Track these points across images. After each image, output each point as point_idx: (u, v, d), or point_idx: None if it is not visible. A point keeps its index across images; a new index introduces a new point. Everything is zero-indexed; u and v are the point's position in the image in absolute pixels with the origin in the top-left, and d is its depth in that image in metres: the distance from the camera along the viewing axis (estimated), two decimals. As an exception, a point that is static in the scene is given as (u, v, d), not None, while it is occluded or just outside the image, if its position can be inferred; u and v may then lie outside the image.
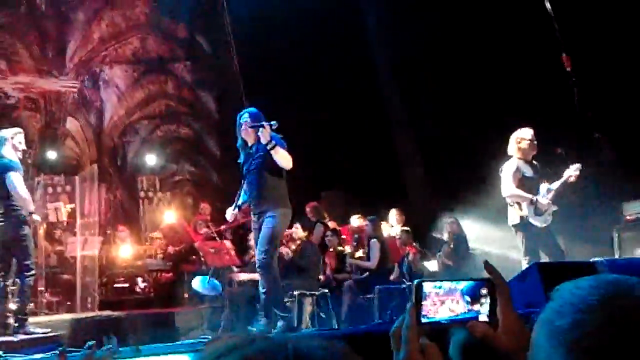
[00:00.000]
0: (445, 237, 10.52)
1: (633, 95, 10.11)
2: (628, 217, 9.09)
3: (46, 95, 16.15)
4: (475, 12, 11.91)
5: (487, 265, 1.38)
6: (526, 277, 4.84)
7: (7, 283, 6.98)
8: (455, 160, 12.62)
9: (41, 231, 10.82)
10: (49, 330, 7.20)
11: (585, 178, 7.52)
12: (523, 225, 7.16)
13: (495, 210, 8.43)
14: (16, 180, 6.90)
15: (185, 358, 2.08)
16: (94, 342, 2.25)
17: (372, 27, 14.87)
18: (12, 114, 16.13)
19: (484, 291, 1.36)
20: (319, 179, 13.88)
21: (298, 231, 9.97)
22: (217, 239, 10.15)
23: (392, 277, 9.81)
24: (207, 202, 13.34)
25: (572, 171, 7.18)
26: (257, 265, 6.21)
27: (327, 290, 8.96)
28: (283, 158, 6.08)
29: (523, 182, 7.23)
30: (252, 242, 8.99)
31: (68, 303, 11.02)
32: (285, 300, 8.25)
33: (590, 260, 5.35)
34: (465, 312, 1.35)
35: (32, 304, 8.64)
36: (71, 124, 17.83)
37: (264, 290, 6.08)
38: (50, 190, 11.82)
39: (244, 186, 6.46)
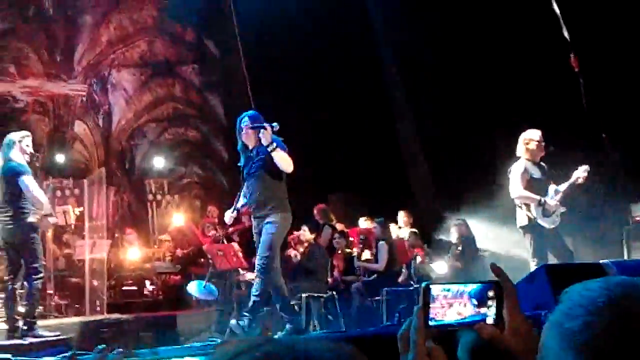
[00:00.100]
0: (453, 239, 10.49)
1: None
2: (637, 218, 9.07)
3: (54, 99, 16.22)
4: (482, 12, 11.88)
5: (494, 268, 1.39)
6: (534, 278, 4.83)
7: (16, 286, 7.00)
8: (462, 162, 12.58)
9: (50, 234, 10.87)
10: (58, 333, 7.21)
11: (594, 179, 7.50)
12: (531, 227, 7.14)
13: (503, 211, 8.41)
14: (30, 183, 6.92)
15: (195, 361, 2.09)
16: (104, 345, 2.26)
17: (379, 28, 14.86)
18: (20, 118, 16.20)
19: (491, 293, 1.36)
20: (326, 182, 13.87)
21: (306, 234, 9.98)
22: (225, 241, 10.16)
23: (400, 279, 9.81)
24: (215, 205, 13.34)
25: (580, 173, 7.16)
26: (256, 270, 6.21)
27: (334, 293, 8.97)
28: (284, 160, 6.07)
29: (531, 184, 7.22)
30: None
31: (77, 306, 11.04)
32: (293, 302, 8.28)
33: (599, 261, 5.33)
34: (473, 315, 1.35)
35: (41, 307, 8.67)
36: (79, 128, 17.90)
37: (256, 294, 6.06)
38: (58, 193, 11.85)
39: (244, 189, 6.47)
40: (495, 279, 1.37)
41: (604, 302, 1.02)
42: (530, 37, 11.10)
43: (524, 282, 4.78)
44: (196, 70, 19.25)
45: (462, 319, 1.34)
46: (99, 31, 16.93)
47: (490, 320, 1.35)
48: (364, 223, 10.97)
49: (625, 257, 8.44)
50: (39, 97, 16.25)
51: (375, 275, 9.67)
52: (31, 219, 6.85)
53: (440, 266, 10.19)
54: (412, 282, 9.46)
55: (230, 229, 10.67)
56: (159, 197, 19.30)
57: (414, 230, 10.85)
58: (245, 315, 6.04)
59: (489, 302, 1.35)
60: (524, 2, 11.16)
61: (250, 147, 6.30)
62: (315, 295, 8.67)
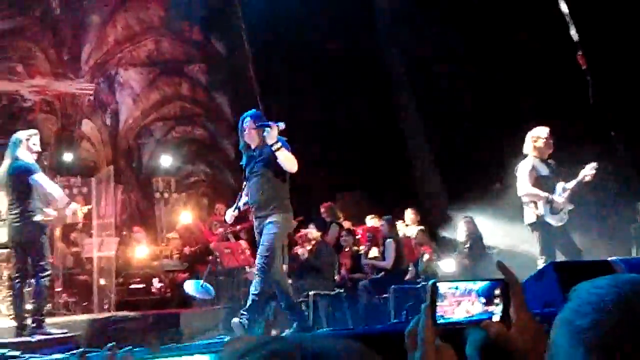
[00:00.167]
0: (461, 236, 10.47)
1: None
2: (645, 216, 9.04)
3: (62, 98, 16.26)
4: (489, 10, 11.86)
5: (501, 266, 1.39)
6: (543, 276, 4.81)
7: (23, 284, 7.03)
8: (469, 159, 12.57)
9: (58, 233, 10.91)
10: (66, 330, 7.25)
11: (603, 177, 7.48)
12: (539, 224, 7.12)
13: (510, 208, 8.39)
14: (42, 179, 6.96)
15: (205, 358, 2.08)
16: (114, 343, 2.26)
17: (385, 28, 14.85)
18: (28, 117, 16.25)
19: (498, 291, 1.36)
20: (333, 180, 13.88)
21: (313, 232, 9.98)
22: (233, 239, 10.17)
23: (407, 277, 9.80)
24: (222, 203, 13.36)
25: (588, 170, 7.12)
26: (255, 269, 6.15)
27: (342, 290, 8.97)
28: (288, 160, 6.01)
29: (539, 181, 7.19)
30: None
31: (85, 304, 11.07)
32: (300, 300, 8.29)
33: (607, 259, 5.31)
34: (481, 313, 1.35)
35: (49, 305, 8.70)
36: (87, 126, 17.95)
37: (255, 293, 5.98)
38: (66, 192, 11.89)
39: (245, 188, 6.45)
40: (502, 277, 1.37)
41: (613, 300, 1.02)
42: (537, 35, 11.08)
43: (532, 280, 4.76)
44: (203, 69, 19.27)
45: (470, 316, 1.34)
46: (106, 30, 16.98)
47: (497, 318, 1.35)
48: (371, 221, 10.97)
49: (634, 254, 8.42)
50: (46, 96, 16.29)
51: (382, 273, 9.66)
52: (38, 217, 6.87)
53: (448, 264, 10.16)
54: (419, 280, 9.44)
55: (238, 227, 10.69)
56: (166, 195, 19.37)
57: (421, 228, 10.84)
58: (244, 314, 5.97)
59: (496, 300, 1.36)
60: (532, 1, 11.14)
61: (253, 147, 6.27)
62: (323, 293, 8.67)
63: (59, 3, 15.58)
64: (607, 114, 9.99)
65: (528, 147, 7.34)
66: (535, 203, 7.14)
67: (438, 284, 1.34)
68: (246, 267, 9.78)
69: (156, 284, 12.90)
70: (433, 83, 13.50)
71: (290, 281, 9.37)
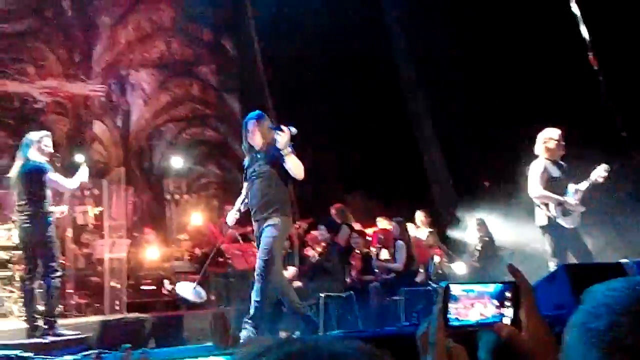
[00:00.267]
0: (472, 238, 10.44)
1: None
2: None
3: (73, 99, 16.33)
4: (500, 9, 11.83)
5: (511, 268, 1.39)
6: (554, 278, 4.79)
7: (34, 285, 7.04)
8: (480, 161, 12.55)
9: (69, 234, 10.95)
10: (78, 332, 7.26)
11: (614, 178, 7.43)
12: (551, 227, 7.08)
13: (521, 210, 8.36)
14: (57, 177, 7.00)
15: (220, 360, 2.07)
16: (129, 345, 2.27)
17: (395, 26, 14.84)
18: (39, 118, 16.33)
19: (509, 294, 1.36)
20: (343, 181, 13.88)
21: (323, 233, 9.97)
22: (243, 241, 10.19)
23: (418, 279, 9.78)
24: (233, 205, 13.36)
25: (599, 172, 7.08)
26: (255, 274, 5.99)
27: (353, 292, 8.95)
28: (296, 167, 5.90)
29: (550, 183, 7.16)
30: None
31: (96, 305, 11.10)
32: (311, 302, 8.28)
33: (619, 261, 5.29)
34: (493, 315, 1.35)
35: (61, 307, 8.73)
36: (98, 128, 18.03)
37: (257, 299, 5.90)
38: (78, 193, 11.93)
39: (246, 190, 6.39)
40: (513, 279, 1.37)
41: (628, 302, 1.02)
42: (549, 35, 11.03)
43: (544, 282, 4.75)
44: (213, 70, 19.32)
45: (483, 319, 1.34)
46: (117, 32, 17.06)
47: (507, 321, 1.35)
48: (381, 223, 10.95)
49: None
50: (58, 98, 16.36)
51: (393, 275, 9.64)
52: (49, 219, 6.89)
53: (459, 266, 10.15)
54: (430, 282, 9.42)
55: (249, 228, 10.69)
56: (177, 196, 19.43)
57: (431, 230, 10.83)
58: (249, 322, 5.88)
59: (508, 302, 1.36)
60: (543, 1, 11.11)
61: (257, 149, 6.20)
62: (333, 295, 8.66)
63: (71, 5, 15.67)
64: (618, 114, 9.94)
65: (539, 148, 7.30)
66: (547, 205, 7.10)
67: (450, 286, 1.34)
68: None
69: (167, 285, 12.92)
70: (443, 84, 13.46)
71: (300, 283, 9.40)
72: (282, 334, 7.37)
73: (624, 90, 10.18)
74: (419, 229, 11.11)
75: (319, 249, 9.65)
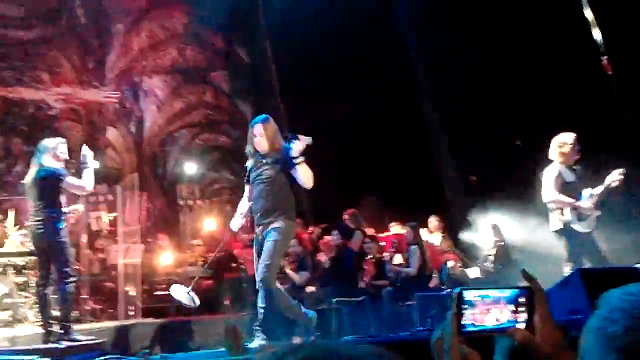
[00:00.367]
0: (486, 243, 10.41)
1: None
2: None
3: (87, 106, 16.41)
4: (513, 13, 11.80)
5: (525, 273, 1.40)
6: (569, 283, 4.77)
7: (47, 291, 7.05)
8: (493, 165, 12.50)
9: (84, 239, 11.01)
10: (93, 337, 7.29)
11: (629, 182, 7.39)
12: (566, 231, 7.05)
13: (535, 215, 8.32)
14: (74, 180, 7.03)
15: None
16: (147, 350, 2.28)
17: (408, 31, 14.83)
18: (53, 125, 16.43)
19: (523, 299, 1.36)
20: (356, 187, 13.86)
21: (336, 238, 9.98)
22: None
23: (431, 284, 9.75)
24: (246, 210, 13.38)
25: (614, 176, 7.05)
26: (257, 279, 5.89)
27: (366, 297, 8.95)
28: (306, 175, 5.86)
29: (565, 188, 7.13)
30: (289, 249, 9.03)
31: (111, 310, 11.16)
32: (322, 307, 8.27)
33: (635, 265, 5.26)
34: (508, 320, 1.35)
35: (76, 312, 8.76)
36: (112, 134, 18.11)
37: (262, 305, 5.83)
38: (92, 199, 12.00)
39: (248, 193, 6.36)
40: (527, 284, 1.38)
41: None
42: (563, 39, 10.99)
43: (558, 287, 4.73)
44: (226, 76, 19.37)
45: (499, 324, 1.34)
46: (131, 39, 17.14)
47: (521, 326, 1.36)
48: (395, 228, 10.94)
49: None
50: (72, 104, 16.45)
51: (406, 280, 9.63)
52: (62, 224, 6.91)
53: (473, 271, 10.12)
54: (443, 287, 9.40)
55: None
56: (190, 202, 19.49)
57: (445, 235, 10.81)
58: (258, 329, 5.83)
59: (522, 307, 1.36)
60: (556, 3, 11.06)
61: (262, 153, 6.14)
62: (346, 299, 8.66)
63: (84, 12, 15.77)
64: (633, 118, 9.88)
65: (554, 153, 7.27)
66: (562, 209, 7.07)
67: (464, 292, 1.34)
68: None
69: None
70: (455, 87, 13.43)
71: (313, 289, 9.41)
72: (297, 339, 7.37)
73: (638, 95, 10.12)
74: (432, 234, 11.09)
75: (332, 254, 9.65)
